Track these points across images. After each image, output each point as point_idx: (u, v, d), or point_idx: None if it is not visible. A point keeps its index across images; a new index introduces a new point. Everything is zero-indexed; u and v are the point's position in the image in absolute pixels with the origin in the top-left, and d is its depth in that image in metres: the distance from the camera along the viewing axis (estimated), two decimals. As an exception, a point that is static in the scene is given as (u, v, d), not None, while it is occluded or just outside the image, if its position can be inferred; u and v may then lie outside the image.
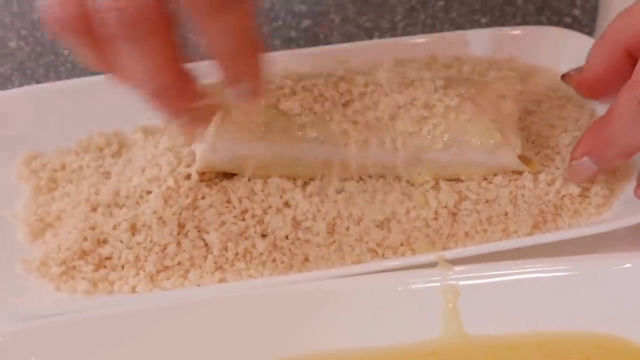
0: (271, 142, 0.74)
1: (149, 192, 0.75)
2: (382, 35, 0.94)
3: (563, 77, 0.79)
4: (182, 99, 0.63)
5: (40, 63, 0.93)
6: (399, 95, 0.74)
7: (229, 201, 0.74)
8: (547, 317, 0.67)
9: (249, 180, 0.76)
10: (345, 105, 0.74)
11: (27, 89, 0.84)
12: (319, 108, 0.74)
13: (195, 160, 0.75)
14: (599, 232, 0.70)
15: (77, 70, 0.91)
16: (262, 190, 0.75)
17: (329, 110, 0.74)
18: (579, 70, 0.78)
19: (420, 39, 0.88)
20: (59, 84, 0.85)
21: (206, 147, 0.74)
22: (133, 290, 0.70)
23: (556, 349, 0.66)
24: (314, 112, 0.74)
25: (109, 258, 0.72)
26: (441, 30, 0.94)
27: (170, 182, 0.75)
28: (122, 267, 0.72)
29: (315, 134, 0.74)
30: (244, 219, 0.73)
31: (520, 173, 0.75)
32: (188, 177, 0.76)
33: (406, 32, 0.94)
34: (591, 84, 0.77)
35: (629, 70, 0.71)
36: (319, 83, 0.75)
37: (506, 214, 0.73)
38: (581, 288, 0.67)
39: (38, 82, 0.91)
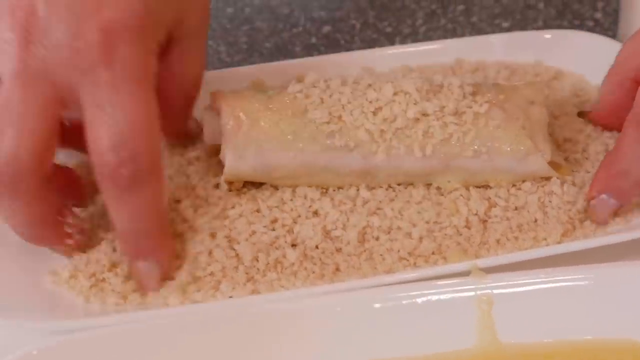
0: (299, 151, 0.73)
1: (177, 202, 0.74)
2: (403, 40, 0.94)
3: (579, 114, 0.79)
4: (56, 242, 0.70)
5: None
6: (428, 102, 0.73)
7: (258, 210, 0.74)
8: (580, 325, 0.66)
9: (277, 189, 0.75)
10: (374, 113, 0.73)
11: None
12: (347, 116, 0.73)
13: (224, 170, 0.74)
14: (631, 238, 0.69)
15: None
16: (291, 200, 0.74)
17: (357, 118, 0.73)
18: (593, 106, 0.78)
19: (445, 44, 0.87)
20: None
21: (234, 157, 0.73)
22: (164, 302, 0.69)
23: (590, 357, 0.66)
24: (343, 120, 0.73)
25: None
26: (462, 35, 0.94)
27: (200, 191, 0.74)
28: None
29: (343, 142, 0.73)
30: (273, 229, 0.73)
31: (548, 179, 0.75)
32: (217, 186, 0.75)
33: (427, 37, 0.94)
34: (606, 118, 0.77)
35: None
36: (346, 91, 0.74)
37: (535, 220, 0.73)
38: (615, 295, 0.67)
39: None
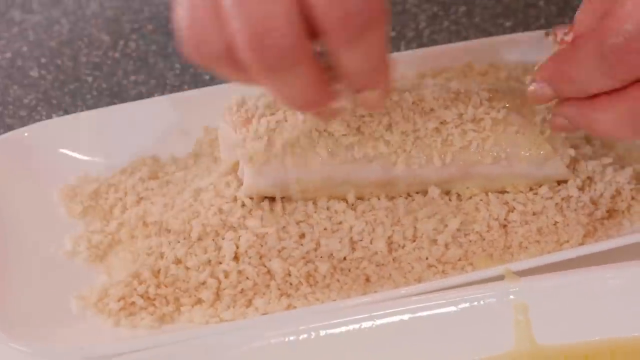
0: (320, 165, 0.73)
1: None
2: (408, 44, 0.94)
3: (547, 33, 0.75)
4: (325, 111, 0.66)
5: (65, 91, 0.91)
6: (446, 110, 0.73)
7: (284, 227, 0.73)
8: (617, 323, 0.67)
9: (297, 202, 0.75)
10: (392, 124, 0.73)
11: (59, 120, 0.83)
12: (365, 127, 0.73)
13: (243, 186, 0.74)
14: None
15: (103, 97, 0.90)
16: (315, 212, 0.74)
17: (376, 129, 0.72)
18: (567, 28, 0.73)
19: (454, 47, 0.87)
20: (88, 114, 0.84)
21: (254, 173, 0.73)
22: (192, 320, 0.69)
23: (629, 355, 0.66)
24: (362, 131, 0.73)
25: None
26: (467, 36, 0.94)
27: (226, 207, 0.74)
28: (180, 300, 0.71)
29: (362, 154, 0.73)
30: (302, 244, 0.72)
31: (565, 181, 0.75)
32: (242, 204, 0.75)
33: (432, 40, 0.94)
34: None
35: None
36: None
37: (555, 224, 0.73)
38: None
39: (66, 111, 0.89)
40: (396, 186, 0.75)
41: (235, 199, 0.75)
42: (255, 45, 0.57)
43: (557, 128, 0.71)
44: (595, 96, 0.67)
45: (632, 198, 0.75)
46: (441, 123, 0.73)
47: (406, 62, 0.85)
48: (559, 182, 0.75)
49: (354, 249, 0.72)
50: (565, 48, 0.69)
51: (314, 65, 0.60)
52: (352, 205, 0.75)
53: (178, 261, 0.72)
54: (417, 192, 0.76)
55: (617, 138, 0.74)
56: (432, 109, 0.73)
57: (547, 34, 0.74)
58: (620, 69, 0.64)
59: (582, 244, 0.72)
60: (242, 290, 0.71)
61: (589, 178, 0.75)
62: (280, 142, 0.73)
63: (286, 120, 0.73)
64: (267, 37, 0.57)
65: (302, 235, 0.73)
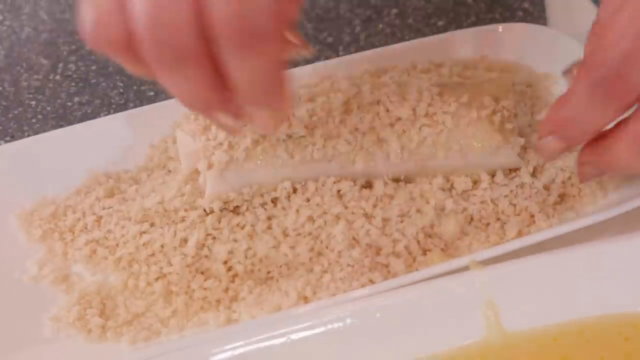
0: (280, 167, 0.74)
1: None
2: (346, 48, 0.95)
3: (564, 73, 0.78)
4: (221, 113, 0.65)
5: (10, 117, 0.91)
6: (400, 107, 0.75)
7: (269, 227, 0.76)
8: (582, 303, 0.69)
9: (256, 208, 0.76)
10: (349, 123, 0.74)
11: (7, 146, 0.83)
12: (324, 127, 0.74)
13: (206, 194, 0.75)
14: (611, 216, 0.72)
15: (49, 120, 0.90)
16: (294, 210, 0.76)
17: (333, 129, 0.74)
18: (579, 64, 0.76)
19: (398, 48, 0.89)
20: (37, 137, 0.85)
21: (215, 179, 0.74)
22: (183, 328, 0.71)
23: (597, 333, 0.68)
24: (320, 132, 0.74)
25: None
26: (402, 37, 0.96)
27: (191, 216, 0.75)
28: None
29: (322, 154, 0.74)
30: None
31: (518, 169, 0.77)
32: (204, 211, 0.76)
33: (369, 43, 0.96)
34: None
35: None
36: (318, 102, 0.75)
37: (511, 210, 0.75)
38: (610, 271, 0.69)
39: (13, 136, 0.89)
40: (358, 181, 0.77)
41: (197, 207, 0.77)
42: (152, 37, 0.58)
43: (586, 179, 0.75)
44: (602, 134, 0.70)
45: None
46: (396, 120, 0.75)
47: (347, 66, 0.86)
48: (511, 171, 0.77)
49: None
50: (561, 96, 0.71)
51: (206, 67, 0.60)
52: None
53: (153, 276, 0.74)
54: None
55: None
56: (387, 109, 0.75)
57: (564, 74, 0.77)
58: (611, 99, 0.67)
59: (537, 229, 0.74)
60: (226, 290, 0.72)
61: (540, 165, 0.78)
62: (240, 147, 0.74)
63: (245, 125, 0.74)
64: (163, 31, 0.58)
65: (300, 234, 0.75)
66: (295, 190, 0.76)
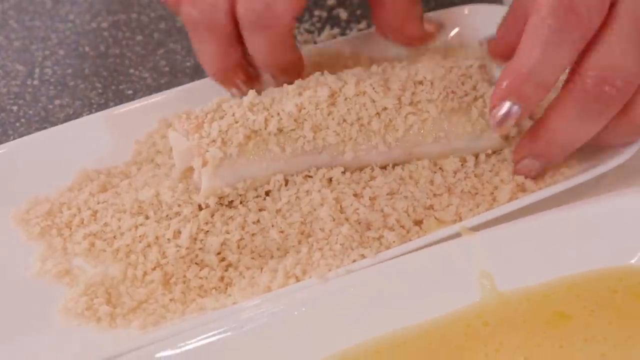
0: (271, 160, 0.77)
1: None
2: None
3: (481, 43, 0.84)
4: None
5: (-7, 123, 0.93)
6: (385, 97, 0.78)
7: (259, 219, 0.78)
8: (570, 261, 0.73)
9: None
10: (336, 115, 0.78)
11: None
12: (312, 120, 0.77)
13: (201, 190, 0.77)
14: (590, 177, 0.76)
15: (33, 123, 0.92)
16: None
17: (322, 121, 0.77)
18: (493, 39, 0.83)
19: (344, 39, 0.93)
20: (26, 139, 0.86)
21: (210, 175, 0.77)
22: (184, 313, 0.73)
23: (586, 288, 0.72)
24: (309, 124, 0.77)
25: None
26: (369, 25, 0.99)
27: (186, 211, 0.78)
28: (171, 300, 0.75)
29: (312, 146, 0.77)
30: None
31: (500, 151, 0.81)
32: (200, 207, 0.79)
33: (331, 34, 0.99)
34: (503, 52, 0.81)
35: None
36: (305, 95, 0.79)
37: (492, 184, 0.79)
38: (594, 229, 0.74)
39: (-2, 141, 0.91)
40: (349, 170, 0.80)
41: (192, 203, 0.79)
42: (196, 8, 0.79)
43: (527, 174, 0.79)
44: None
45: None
46: (382, 109, 0.78)
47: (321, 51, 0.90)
48: (494, 152, 0.81)
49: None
50: (509, 62, 0.73)
51: (229, 38, 0.80)
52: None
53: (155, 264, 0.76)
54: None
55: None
56: (372, 99, 0.78)
57: (481, 44, 0.83)
58: (566, 34, 0.70)
59: (517, 197, 0.78)
60: (221, 278, 0.75)
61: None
62: (233, 143, 0.76)
63: (236, 122, 0.76)
64: (204, 7, 0.78)
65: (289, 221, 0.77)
66: (287, 183, 0.79)
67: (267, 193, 0.79)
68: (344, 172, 0.79)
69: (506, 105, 0.73)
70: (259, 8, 0.77)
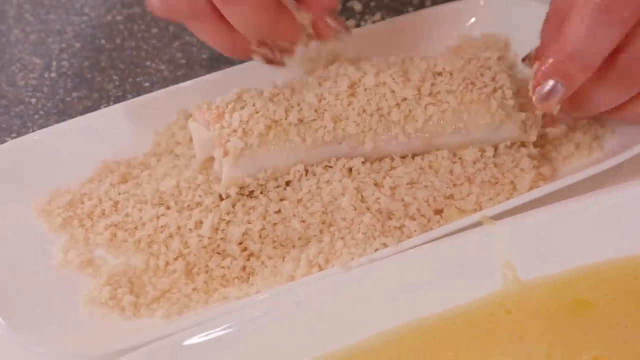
0: (292, 150, 0.78)
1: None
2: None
3: (524, 60, 0.81)
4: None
5: (13, 115, 0.93)
6: (404, 88, 0.78)
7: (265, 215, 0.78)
8: (591, 249, 0.74)
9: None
10: (357, 106, 0.78)
11: (18, 141, 0.85)
12: (333, 111, 0.78)
13: (222, 180, 0.78)
14: (609, 167, 0.77)
15: (51, 116, 0.92)
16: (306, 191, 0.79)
17: (342, 112, 0.78)
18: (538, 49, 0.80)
19: (382, 26, 0.94)
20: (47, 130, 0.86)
21: (231, 166, 0.77)
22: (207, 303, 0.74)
23: (607, 276, 0.73)
24: (329, 115, 0.78)
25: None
26: (382, 17, 1.00)
27: (207, 201, 0.79)
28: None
29: (332, 136, 0.78)
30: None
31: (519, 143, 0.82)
32: (221, 197, 0.79)
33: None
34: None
35: None
36: (326, 86, 0.79)
37: (513, 173, 0.79)
38: (613, 217, 0.74)
39: (18, 133, 0.91)
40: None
41: (213, 193, 0.79)
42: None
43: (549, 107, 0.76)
44: None
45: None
46: (402, 100, 0.78)
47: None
48: (513, 144, 0.82)
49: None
50: (554, 40, 0.73)
51: (213, 20, 0.77)
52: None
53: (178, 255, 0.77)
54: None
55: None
56: (392, 90, 0.78)
57: (524, 60, 0.81)
58: (618, 18, 0.70)
59: (538, 186, 0.78)
60: (244, 268, 0.76)
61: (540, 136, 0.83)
62: (254, 133, 0.77)
63: (257, 112, 0.77)
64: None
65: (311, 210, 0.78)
66: (307, 173, 0.79)
67: (288, 183, 0.79)
68: (364, 163, 0.79)
69: (550, 84, 0.73)
70: None
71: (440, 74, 0.80)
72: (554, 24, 0.77)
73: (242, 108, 0.78)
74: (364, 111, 0.78)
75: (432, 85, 0.79)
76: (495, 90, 0.80)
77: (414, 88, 0.79)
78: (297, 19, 0.79)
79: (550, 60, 0.73)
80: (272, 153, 0.78)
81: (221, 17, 0.77)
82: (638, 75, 0.72)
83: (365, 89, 0.79)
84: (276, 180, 0.79)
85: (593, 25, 0.70)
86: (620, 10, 0.69)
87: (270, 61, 0.80)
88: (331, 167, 0.79)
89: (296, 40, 0.80)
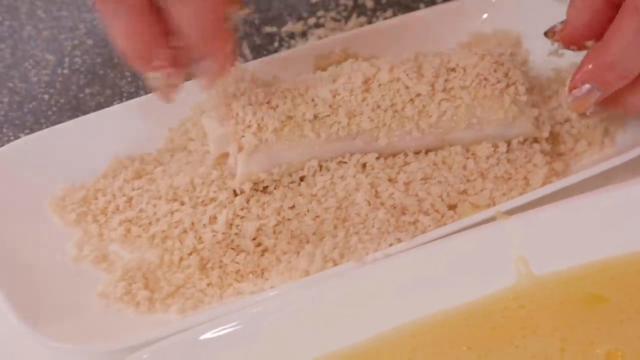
0: (307, 146, 0.78)
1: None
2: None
3: (546, 33, 0.81)
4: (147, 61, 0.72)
5: (26, 111, 0.93)
6: (418, 83, 0.79)
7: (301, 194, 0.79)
8: (604, 244, 0.74)
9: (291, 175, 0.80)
10: (371, 101, 0.79)
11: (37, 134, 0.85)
12: (346, 106, 0.78)
13: (237, 175, 0.78)
14: (629, 158, 0.78)
15: (64, 112, 0.93)
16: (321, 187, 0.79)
17: (356, 108, 0.78)
18: (562, 24, 0.80)
19: (394, 22, 0.94)
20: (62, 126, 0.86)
21: (246, 161, 0.78)
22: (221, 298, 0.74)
23: (620, 270, 0.73)
24: (344, 112, 0.78)
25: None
26: (394, 13, 1.00)
27: (222, 197, 0.79)
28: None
29: (347, 132, 0.78)
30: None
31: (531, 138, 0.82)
32: (235, 192, 0.80)
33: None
34: (577, 36, 0.79)
35: (612, 16, 0.74)
36: (339, 82, 0.79)
37: (524, 168, 0.80)
38: (626, 212, 0.75)
39: (31, 129, 0.91)
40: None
41: (227, 188, 0.80)
42: None
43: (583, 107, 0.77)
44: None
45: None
46: (416, 95, 0.79)
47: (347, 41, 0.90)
48: (526, 140, 0.82)
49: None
50: (596, 45, 0.75)
51: (144, 13, 0.69)
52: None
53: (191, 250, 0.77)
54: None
55: None
56: (406, 85, 0.79)
57: (546, 34, 0.81)
58: None
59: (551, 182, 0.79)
60: (258, 263, 0.76)
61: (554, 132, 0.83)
62: (268, 128, 0.77)
63: (272, 108, 0.77)
64: None
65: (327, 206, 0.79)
66: (321, 168, 0.79)
67: (302, 179, 0.80)
68: (377, 158, 0.79)
69: (586, 88, 0.75)
70: None
71: (453, 69, 0.80)
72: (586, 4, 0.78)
73: (260, 104, 0.78)
74: (378, 106, 0.79)
75: (446, 80, 0.79)
76: (508, 86, 0.80)
77: (427, 84, 0.79)
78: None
79: (590, 66, 0.75)
80: (287, 148, 0.78)
81: (153, 12, 0.70)
82: None
83: (379, 85, 0.79)
84: (290, 175, 0.79)
85: (634, 37, 0.72)
86: None
87: (166, 85, 0.75)
88: (345, 162, 0.79)
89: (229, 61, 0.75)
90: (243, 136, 0.77)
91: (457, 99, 0.79)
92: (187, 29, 0.70)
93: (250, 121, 0.77)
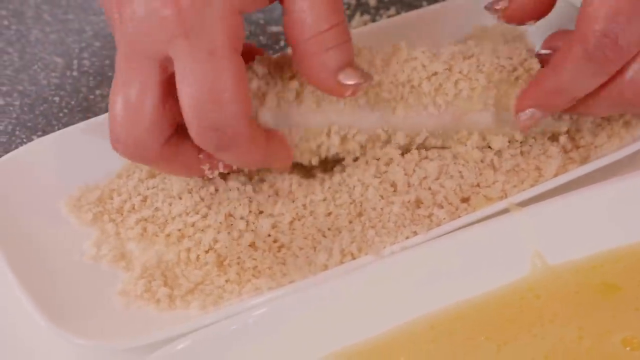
0: (324, 112, 0.78)
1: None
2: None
3: (486, 7, 0.82)
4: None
5: (37, 114, 0.94)
6: (436, 62, 0.79)
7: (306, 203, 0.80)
8: (617, 233, 0.75)
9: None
10: (390, 73, 0.79)
11: (46, 138, 0.86)
12: None
13: None
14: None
15: (75, 113, 0.93)
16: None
17: (375, 78, 0.78)
18: (507, 1, 0.81)
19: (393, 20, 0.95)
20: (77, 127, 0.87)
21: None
22: (240, 294, 0.75)
23: (634, 259, 0.75)
24: None
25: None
26: (397, 11, 1.01)
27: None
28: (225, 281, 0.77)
29: (365, 100, 0.78)
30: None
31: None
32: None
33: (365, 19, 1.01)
34: (519, 16, 0.81)
35: None
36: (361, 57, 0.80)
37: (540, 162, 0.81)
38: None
39: (44, 131, 0.92)
40: (394, 138, 0.81)
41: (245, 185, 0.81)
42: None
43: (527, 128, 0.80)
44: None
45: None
46: (433, 74, 0.79)
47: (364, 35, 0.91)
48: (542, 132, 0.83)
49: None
50: (543, 69, 0.78)
51: (167, 157, 0.74)
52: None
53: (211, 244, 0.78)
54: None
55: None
56: (423, 64, 0.79)
57: (486, 8, 0.82)
58: (606, 66, 0.73)
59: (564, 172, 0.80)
60: (275, 259, 0.77)
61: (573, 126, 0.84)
62: (290, 91, 0.78)
63: (291, 78, 0.78)
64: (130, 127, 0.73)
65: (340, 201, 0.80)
66: (334, 165, 0.81)
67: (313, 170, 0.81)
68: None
69: (530, 112, 0.78)
70: (214, 138, 0.71)
71: (470, 56, 0.81)
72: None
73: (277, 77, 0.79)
74: (396, 80, 0.79)
75: (462, 61, 0.80)
76: (526, 72, 0.81)
77: (444, 63, 0.80)
78: (287, 141, 0.78)
79: (532, 94, 0.78)
80: (305, 113, 0.78)
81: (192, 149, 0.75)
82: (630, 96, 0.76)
83: (397, 62, 0.80)
84: (309, 149, 0.80)
85: (578, 71, 0.74)
86: (610, 64, 0.73)
87: None
88: (358, 157, 0.80)
89: (288, 165, 0.80)
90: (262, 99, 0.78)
91: (473, 80, 0.80)
92: (236, 165, 0.78)
93: (269, 85, 0.78)
